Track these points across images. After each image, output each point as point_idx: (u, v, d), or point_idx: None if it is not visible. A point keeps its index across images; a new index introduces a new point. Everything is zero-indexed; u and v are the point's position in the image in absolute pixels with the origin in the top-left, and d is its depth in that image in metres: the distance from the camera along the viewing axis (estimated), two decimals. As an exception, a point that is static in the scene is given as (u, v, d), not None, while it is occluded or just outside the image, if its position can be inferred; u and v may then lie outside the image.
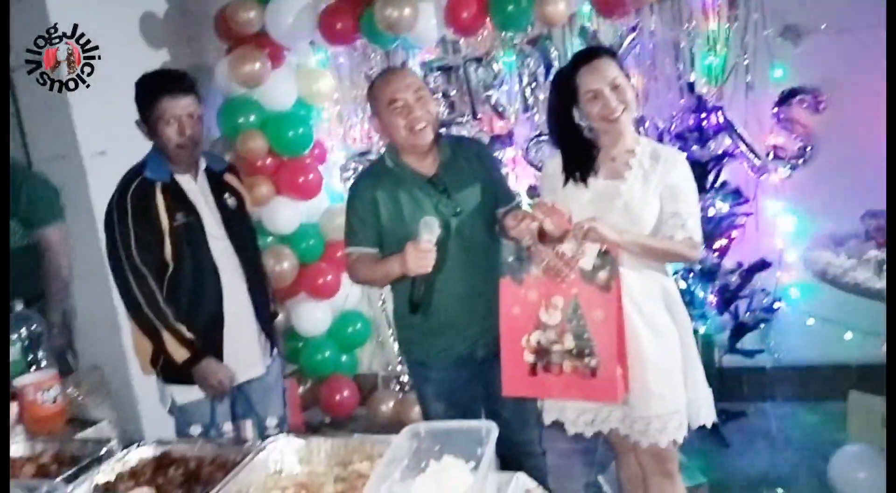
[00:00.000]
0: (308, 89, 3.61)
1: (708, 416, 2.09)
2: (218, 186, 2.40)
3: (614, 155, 2.09)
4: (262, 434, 1.83)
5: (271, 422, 1.86)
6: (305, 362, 3.82)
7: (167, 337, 2.18)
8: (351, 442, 1.52)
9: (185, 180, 2.32)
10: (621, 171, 2.06)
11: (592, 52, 2.12)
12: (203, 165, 2.38)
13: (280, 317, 3.76)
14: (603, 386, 1.89)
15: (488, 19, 3.19)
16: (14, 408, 1.91)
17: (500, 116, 3.47)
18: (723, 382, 3.25)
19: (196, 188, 2.34)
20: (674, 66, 3.29)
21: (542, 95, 3.38)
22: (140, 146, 3.27)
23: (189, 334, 2.23)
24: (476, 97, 3.48)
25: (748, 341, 3.37)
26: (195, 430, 1.95)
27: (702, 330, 3.21)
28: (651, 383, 1.99)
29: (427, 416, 2.33)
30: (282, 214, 3.61)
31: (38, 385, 1.89)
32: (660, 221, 2.02)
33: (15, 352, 1.95)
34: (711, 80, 3.24)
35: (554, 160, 2.18)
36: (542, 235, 1.96)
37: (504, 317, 1.97)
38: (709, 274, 3.22)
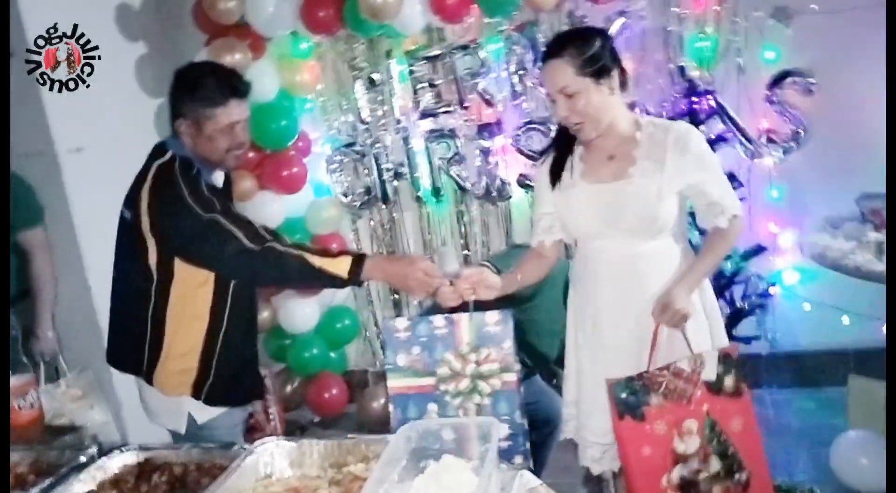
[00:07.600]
0: (291, 80, 3.52)
1: None
2: None
3: (613, 153, 1.86)
4: None
5: None
6: (293, 360, 3.74)
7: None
8: (344, 443, 1.46)
9: None
10: (625, 169, 1.82)
11: (549, 51, 1.83)
12: None
13: (266, 314, 3.71)
14: None
15: (474, 5, 3.12)
16: (-11, 415, 1.83)
17: (489, 104, 3.40)
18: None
19: None
20: (664, 51, 3.22)
21: (531, 83, 3.32)
22: (118, 143, 3.21)
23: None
24: (463, 86, 3.40)
25: (744, 328, 3.32)
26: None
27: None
28: None
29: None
30: (266, 208, 3.52)
31: (16, 391, 1.81)
32: (682, 209, 1.87)
33: (-12, 357, 1.87)
34: (703, 63, 3.18)
35: (544, 165, 1.99)
36: None
37: (634, 462, 1.68)
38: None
